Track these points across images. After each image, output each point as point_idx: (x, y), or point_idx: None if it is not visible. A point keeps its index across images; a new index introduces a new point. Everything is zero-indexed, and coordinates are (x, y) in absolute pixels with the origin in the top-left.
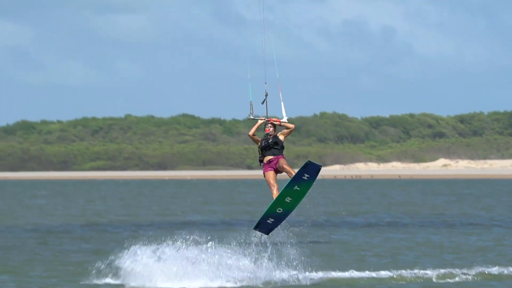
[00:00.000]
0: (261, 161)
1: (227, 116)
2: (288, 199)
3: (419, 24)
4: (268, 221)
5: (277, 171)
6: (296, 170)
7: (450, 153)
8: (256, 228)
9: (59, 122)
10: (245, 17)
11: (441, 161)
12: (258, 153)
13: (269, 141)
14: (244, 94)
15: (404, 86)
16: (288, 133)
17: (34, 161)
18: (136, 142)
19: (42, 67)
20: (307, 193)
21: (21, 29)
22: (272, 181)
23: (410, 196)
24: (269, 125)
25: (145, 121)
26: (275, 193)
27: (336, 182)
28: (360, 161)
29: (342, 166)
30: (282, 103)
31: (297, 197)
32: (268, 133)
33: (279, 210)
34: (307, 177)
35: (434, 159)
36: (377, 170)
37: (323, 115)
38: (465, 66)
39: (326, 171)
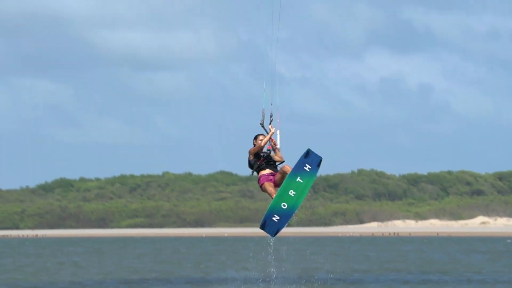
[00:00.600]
0: (257, 169)
1: None
2: (291, 193)
3: (457, 81)
4: (273, 218)
5: (276, 185)
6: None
7: (489, 211)
8: (262, 227)
9: (97, 179)
10: (283, 75)
11: (480, 219)
12: (252, 157)
13: (270, 157)
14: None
15: (442, 143)
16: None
17: (72, 219)
18: (173, 199)
19: (81, 125)
20: (309, 188)
21: (60, 88)
22: (273, 189)
23: (447, 254)
24: (272, 143)
25: (183, 179)
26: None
27: (373, 240)
28: (398, 219)
29: (380, 223)
30: (278, 132)
31: (301, 192)
32: (269, 150)
33: (284, 205)
34: (308, 168)
35: (472, 216)
36: (415, 228)
37: (360, 172)
38: (503, 123)
39: (364, 229)
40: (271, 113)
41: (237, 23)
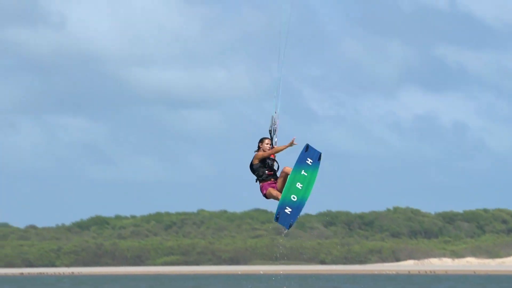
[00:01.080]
0: (264, 179)
1: None
2: (299, 185)
3: (491, 119)
4: (286, 210)
5: (278, 190)
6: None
7: None
8: (276, 219)
9: (133, 217)
10: (316, 113)
11: None
12: (257, 161)
13: (274, 167)
14: (314, 189)
15: (477, 181)
16: None
17: (108, 256)
18: (209, 236)
19: (116, 163)
20: (315, 181)
21: (95, 126)
22: (278, 192)
23: None
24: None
25: (218, 216)
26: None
27: (410, 278)
28: (434, 256)
29: (416, 261)
30: (276, 139)
31: (307, 184)
32: (273, 159)
33: (294, 198)
34: (310, 161)
35: (509, 254)
36: (451, 266)
37: (396, 209)
38: None
39: (400, 267)
40: (274, 121)
41: (270, 60)
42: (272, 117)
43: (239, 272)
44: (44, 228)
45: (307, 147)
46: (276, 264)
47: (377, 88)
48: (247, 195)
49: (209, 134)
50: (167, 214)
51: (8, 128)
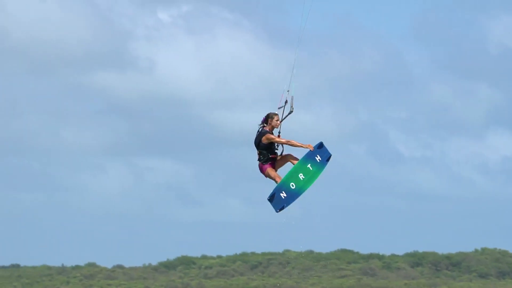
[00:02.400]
0: (266, 161)
1: (386, 251)
2: (301, 176)
3: None
4: (281, 194)
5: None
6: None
7: None
8: (270, 199)
9: (219, 257)
10: (403, 154)
11: None
12: (267, 142)
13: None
14: (402, 230)
15: None
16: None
17: None
18: (295, 276)
19: (202, 204)
20: (317, 178)
21: (182, 168)
22: (276, 173)
23: None
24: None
25: (304, 256)
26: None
27: None
28: None
29: None
30: (283, 112)
31: (309, 178)
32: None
33: (292, 185)
34: (319, 159)
35: None
36: None
37: (484, 250)
38: None
39: None
40: (286, 99)
41: (356, 103)
42: (292, 97)
43: None
44: (131, 268)
45: (321, 144)
46: None
47: (464, 130)
48: (333, 235)
49: None
50: (253, 254)
51: (97, 169)
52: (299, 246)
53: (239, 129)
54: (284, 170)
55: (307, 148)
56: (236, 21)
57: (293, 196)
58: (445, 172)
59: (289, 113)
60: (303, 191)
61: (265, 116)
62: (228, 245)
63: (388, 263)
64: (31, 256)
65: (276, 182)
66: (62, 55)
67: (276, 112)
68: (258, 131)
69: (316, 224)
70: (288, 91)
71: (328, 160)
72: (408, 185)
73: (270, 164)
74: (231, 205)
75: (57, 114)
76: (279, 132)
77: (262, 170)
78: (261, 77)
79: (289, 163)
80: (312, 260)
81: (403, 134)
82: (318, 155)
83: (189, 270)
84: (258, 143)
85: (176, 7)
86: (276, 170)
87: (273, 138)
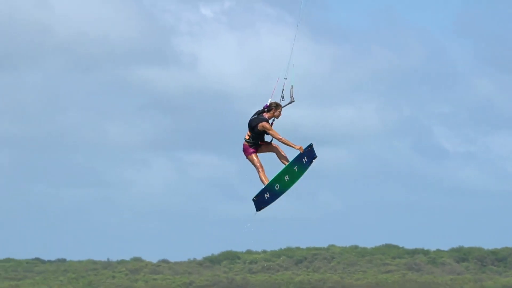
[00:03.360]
0: (253, 144)
1: (431, 246)
2: (286, 178)
3: None
4: (265, 195)
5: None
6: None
7: None
8: (255, 199)
9: (264, 252)
10: (447, 150)
11: None
12: (261, 134)
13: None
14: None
15: None
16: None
17: None
18: (340, 271)
19: (246, 199)
20: (300, 178)
21: (225, 163)
22: (259, 160)
23: None
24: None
25: (349, 251)
26: (263, 176)
27: None
28: None
29: None
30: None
31: (293, 178)
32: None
33: (277, 187)
34: (305, 160)
35: None
36: None
37: None
38: None
39: None
40: (283, 88)
41: (399, 98)
42: (291, 87)
43: None
44: (176, 263)
45: (311, 146)
46: None
47: (509, 124)
48: (378, 231)
49: (338, 171)
50: (298, 249)
51: (141, 164)
52: (344, 241)
53: (281, 125)
54: (269, 164)
55: (298, 150)
56: (278, 16)
57: (275, 196)
58: (489, 167)
59: (290, 103)
60: (286, 190)
61: (270, 104)
62: (273, 240)
63: (433, 258)
64: (77, 250)
65: (257, 171)
66: (106, 51)
67: (280, 104)
68: (257, 113)
69: (361, 219)
70: (285, 78)
71: (312, 161)
72: (453, 180)
73: (255, 149)
74: (276, 200)
75: (101, 109)
76: (273, 121)
77: (246, 152)
78: (303, 72)
79: (273, 154)
80: (357, 255)
81: (447, 129)
82: (305, 157)
83: (234, 265)
84: (254, 126)
85: (219, 2)
86: (259, 153)
87: (269, 129)
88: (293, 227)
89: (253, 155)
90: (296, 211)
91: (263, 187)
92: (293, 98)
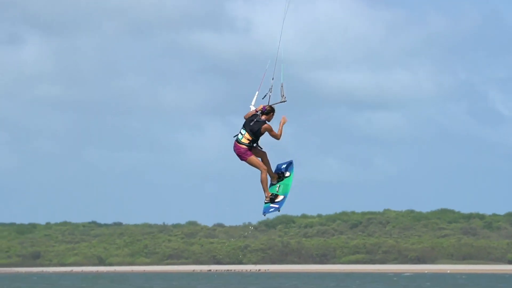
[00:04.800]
0: (251, 147)
1: (487, 210)
2: (277, 189)
3: None
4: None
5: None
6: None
7: None
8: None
9: (319, 216)
10: (502, 113)
11: None
12: (258, 138)
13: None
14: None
15: None
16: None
17: (294, 254)
18: (395, 236)
19: (301, 163)
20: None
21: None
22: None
23: None
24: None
25: (404, 216)
26: (271, 173)
27: None
28: None
29: None
30: (257, 92)
31: (286, 186)
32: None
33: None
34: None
35: None
36: None
37: None
38: None
39: None
40: (271, 87)
41: (454, 63)
42: (282, 85)
43: (426, 271)
44: (231, 227)
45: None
46: (463, 264)
47: None
48: (433, 195)
49: (392, 135)
50: (353, 213)
51: (195, 129)
52: (399, 205)
53: (336, 89)
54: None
55: (284, 123)
56: None
57: (282, 202)
58: None
59: (281, 102)
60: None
61: (268, 108)
62: (328, 204)
63: (489, 222)
64: (133, 214)
65: (262, 170)
66: (162, 16)
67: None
68: (256, 117)
69: (416, 183)
70: (273, 79)
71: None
72: (509, 145)
73: (252, 152)
74: (331, 164)
75: (157, 74)
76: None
77: (245, 154)
78: (358, 36)
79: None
80: (412, 220)
81: (502, 93)
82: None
83: (289, 229)
84: (256, 130)
85: None
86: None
87: (271, 131)
88: (348, 191)
89: (253, 156)
90: (352, 176)
91: (281, 202)
92: (285, 98)
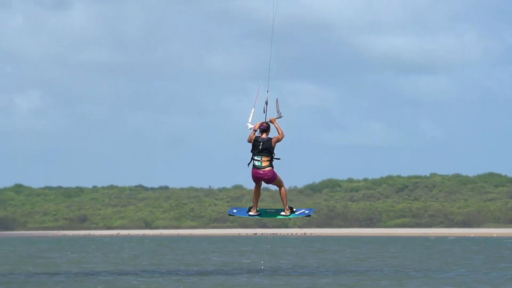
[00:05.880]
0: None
1: None
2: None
3: None
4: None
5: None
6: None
7: None
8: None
9: (365, 180)
10: None
11: None
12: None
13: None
14: None
15: None
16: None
17: (339, 218)
18: (441, 200)
19: (346, 127)
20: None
21: (326, 92)
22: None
23: None
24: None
25: (450, 179)
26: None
27: None
28: None
29: None
30: (253, 109)
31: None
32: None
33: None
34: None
35: None
36: None
37: None
38: None
39: None
40: (266, 100)
41: (501, 27)
42: (277, 100)
43: (472, 235)
44: (277, 191)
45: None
46: (510, 227)
47: None
48: (480, 159)
49: (439, 99)
50: (399, 177)
51: (241, 93)
52: (446, 169)
53: (383, 53)
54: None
55: (275, 121)
56: None
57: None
58: None
59: (277, 118)
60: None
61: (266, 125)
62: (374, 168)
63: None
64: (179, 178)
65: (282, 185)
66: None
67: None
68: (259, 139)
69: (462, 147)
70: (267, 91)
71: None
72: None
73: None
74: (376, 128)
75: (201, 38)
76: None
77: (272, 175)
78: (404, 0)
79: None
80: (459, 184)
81: None
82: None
83: (335, 193)
84: (270, 148)
85: None
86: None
87: (277, 140)
88: (394, 155)
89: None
90: (398, 140)
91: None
92: (281, 114)
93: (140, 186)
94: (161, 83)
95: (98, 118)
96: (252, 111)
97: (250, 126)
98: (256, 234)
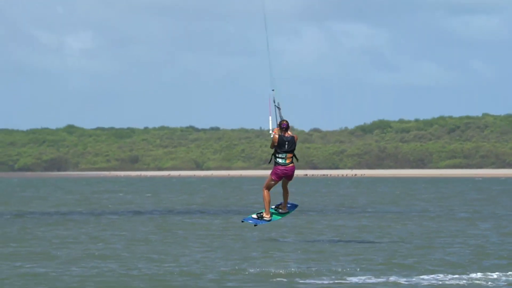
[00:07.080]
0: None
1: None
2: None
3: None
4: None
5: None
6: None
7: None
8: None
9: (416, 120)
10: None
11: None
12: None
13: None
14: None
15: None
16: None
17: (390, 159)
18: (493, 140)
19: (398, 68)
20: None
21: (377, 32)
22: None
23: None
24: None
25: (503, 120)
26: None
27: None
28: None
29: None
30: (270, 117)
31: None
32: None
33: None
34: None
35: None
36: None
37: None
38: None
39: None
40: (274, 101)
41: None
42: (278, 103)
43: None
44: (328, 132)
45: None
46: None
47: None
48: None
49: (490, 39)
50: (450, 118)
51: (292, 34)
52: (498, 109)
53: None
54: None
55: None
56: None
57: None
58: None
59: (276, 108)
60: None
61: (286, 123)
62: (425, 109)
63: None
64: (230, 119)
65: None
66: None
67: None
68: (284, 138)
69: None
70: (273, 90)
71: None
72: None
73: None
74: (428, 69)
75: None
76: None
77: (294, 171)
78: None
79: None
80: (511, 124)
81: None
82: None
83: (386, 134)
84: (295, 146)
85: None
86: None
87: (297, 137)
88: (446, 96)
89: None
90: (449, 80)
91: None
92: (278, 104)
93: (191, 127)
94: (211, 23)
95: (149, 59)
96: (270, 119)
97: (274, 131)
98: (306, 175)
